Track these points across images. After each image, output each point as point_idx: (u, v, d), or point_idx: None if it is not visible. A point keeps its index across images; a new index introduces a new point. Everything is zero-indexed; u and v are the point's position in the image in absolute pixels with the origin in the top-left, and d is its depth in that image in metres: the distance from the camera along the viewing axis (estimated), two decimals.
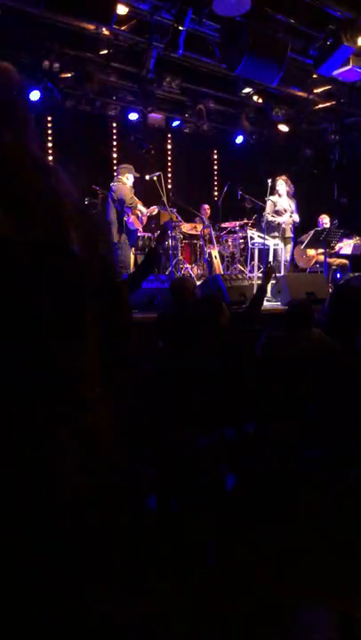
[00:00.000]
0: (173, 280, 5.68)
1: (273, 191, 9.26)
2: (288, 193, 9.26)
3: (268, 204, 9.16)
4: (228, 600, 2.57)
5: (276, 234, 9.14)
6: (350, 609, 2.42)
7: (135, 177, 8.40)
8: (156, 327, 4.85)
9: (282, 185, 9.23)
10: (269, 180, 8.82)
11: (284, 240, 9.26)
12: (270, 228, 9.11)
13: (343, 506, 3.44)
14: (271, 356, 3.86)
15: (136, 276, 5.00)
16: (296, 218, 9.26)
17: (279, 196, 9.22)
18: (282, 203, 9.15)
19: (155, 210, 9.01)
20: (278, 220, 9.07)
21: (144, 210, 8.51)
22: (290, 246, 9.37)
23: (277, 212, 9.13)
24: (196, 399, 3.51)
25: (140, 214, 8.38)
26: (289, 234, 9.28)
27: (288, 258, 9.43)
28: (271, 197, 9.20)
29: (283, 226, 9.13)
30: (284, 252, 9.30)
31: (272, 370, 3.77)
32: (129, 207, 8.05)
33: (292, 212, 9.19)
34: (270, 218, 9.07)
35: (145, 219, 8.65)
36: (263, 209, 9.15)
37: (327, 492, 3.63)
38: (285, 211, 9.12)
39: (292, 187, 9.30)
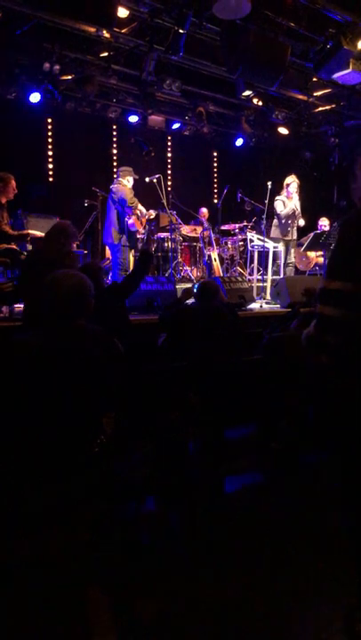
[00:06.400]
0: (204, 281, 5.86)
1: (281, 190, 9.19)
2: (298, 193, 9.18)
3: (278, 203, 9.07)
4: (229, 601, 2.58)
5: (281, 237, 9.11)
6: (353, 608, 2.42)
7: (134, 179, 8.41)
8: (169, 322, 4.96)
9: (294, 185, 9.10)
10: (269, 183, 8.82)
11: (290, 242, 9.25)
12: (282, 229, 9.10)
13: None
14: (272, 356, 3.87)
15: (131, 278, 5.03)
16: (301, 222, 9.22)
17: (288, 195, 9.13)
18: (290, 203, 9.07)
19: (152, 214, 9.00)
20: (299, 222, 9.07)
21: (144, 210, 8.51)
22: (294, 249, 9.34)
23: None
24: (199, 398, 3.52)
25: (139, 214, 8.38)
26: (294, 236, 9.27)
27: (293, 259, 9.41)
28: (280, 197, 9.14)
29: (289, 227, 9.10)
30: (290, 255, 9.28)
31: (273, 371, 3.78)
32: (130, 207, 8.06)
33: (299, 213, 9.11)
34: (284, 212, 8.99)
35: (144, 220, 8.64)
36: (263, 211, 9.11)
37: (328, 493, 3.64)
38: (293, 211, 9.07)
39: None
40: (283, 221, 9.09)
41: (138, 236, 8.85)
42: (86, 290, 2.83)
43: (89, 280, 2.88)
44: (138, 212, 8.28)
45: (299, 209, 9.12)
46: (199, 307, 5.01)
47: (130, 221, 8.05)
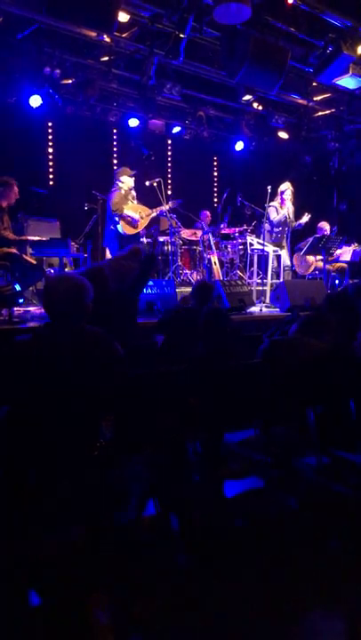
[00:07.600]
0: (199, 283, 5.88)
1: (275, 196, 9.28)
2: (291, 200, 9.31)
3: (271, 209, 9.17)
4: (229, 601, 2.58)
5: (271, 243, 9.20)
6: (354, 609, 2.43)
7: (130, 176, 8.36)
8: (168, 324, 4.99)
9: (288, 192, 9.25)
10: (269, 187, 8.84)
11: (280, 248, 9.35)
12: (272, 235, 9.19)
13: (346, 510, 3.45)
14: (271, 360, 3.87)
15: (137, 283, 5.04)
16: (305, 218, 9.38)
17: (282, 202, 9.25)
18: (283, 211, 9.19)
19: (153, 213, 8.95)
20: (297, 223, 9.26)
21: (135, 215, 8.36)
22: (285, 251, 9.42)
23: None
24: (199, 401, 3.52)
25: (130, 219, 8.28)
26: (284, 243, 9.39)
27: (289, 263, 9.50)
28: (273, 203, 9.22)
29: (280, 234, 9.21)
30: (283, 260, 9.36)
31: (272, 374, 3.78)
32: (114, 213, 8.09)
33: (291, 220, 9.29)
34: (277, 219, 9.13)
35: (141, 221, 8.52)
36: (263, 215, 9.17)
37: (328, 498, 3.64)
38: (285, 219, 9.19)
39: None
40: (274, 228, 9.17)
41: (142, 240, 8.86)
42: (82, 292, 2.84)
43: (87, 283, 2.90)
44: (127, 217, 8.23)
45: (292, 217, 9.23)
46: (197, 309, 5.02)
47: (118, 227, 8.10)
